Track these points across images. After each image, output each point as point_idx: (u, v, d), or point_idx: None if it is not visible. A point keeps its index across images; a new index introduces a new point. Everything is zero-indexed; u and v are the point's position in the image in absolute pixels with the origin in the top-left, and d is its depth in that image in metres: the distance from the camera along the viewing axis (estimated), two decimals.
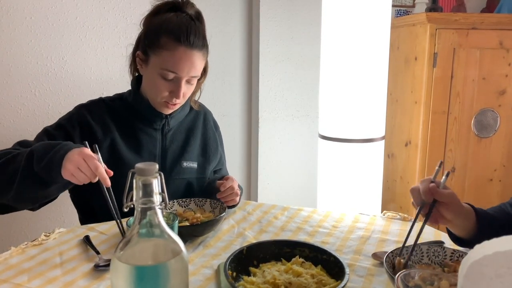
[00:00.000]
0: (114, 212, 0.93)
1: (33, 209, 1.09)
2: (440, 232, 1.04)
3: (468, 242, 0.88)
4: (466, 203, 0.89)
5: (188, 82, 1.14)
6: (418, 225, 0.86)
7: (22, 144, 1.10)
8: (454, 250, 0.85)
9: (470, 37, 1.95)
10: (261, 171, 2.21)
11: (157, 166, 0.54)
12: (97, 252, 0.92)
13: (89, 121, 1.15)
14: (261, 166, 2.20)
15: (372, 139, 1.70)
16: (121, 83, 1.79)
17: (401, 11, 2.41)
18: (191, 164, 1.25)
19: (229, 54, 2.12)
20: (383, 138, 1.74)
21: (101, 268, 0.86)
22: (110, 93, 1.28)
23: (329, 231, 1.09)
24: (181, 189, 1.24)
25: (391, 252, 0.83)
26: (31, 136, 1.16)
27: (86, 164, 0.90)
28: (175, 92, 1.12)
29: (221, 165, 1.39)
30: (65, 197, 1.21)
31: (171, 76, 1.10)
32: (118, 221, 0.93)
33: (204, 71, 1.21)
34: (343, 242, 1.03)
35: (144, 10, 1.18)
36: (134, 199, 0.54)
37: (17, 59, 1.66)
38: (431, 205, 0.83)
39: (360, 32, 1.62)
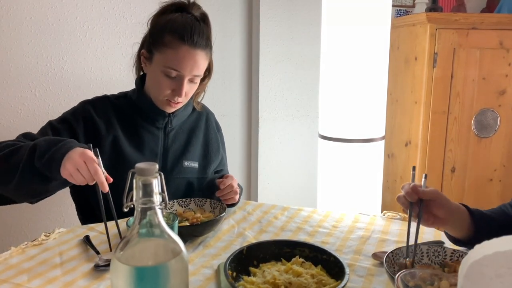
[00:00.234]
0: (104, 217, 0.93)
1: (31, 202, 1.10)
2: (440, 232, 1.04)
3: (467, 242, 0.88)
4: (459, 203, 0.89)
5: (190, 81, 1.15)
6: (415, 227, 0.86)
7: (26, 136, 1.11)
8: (454, 250, 0.85)
9: (470, 37, 1.95)
10: (261, 171, 2.21)
11: (157, 166, 0.54)
12: (97, 252, 0.92)
13: (93, 117, 1.16)
14: (261, 166, 2.20)
15: (372, 139, 1.70)
16: (121, 83, 1.79)
17: (401, 11, 2.41)
18: (192, 164, 1.26)
19: (229, 54, 2.12)
20: (383, 138, 1.74)
21: (101, 268, 0.86)
22: (110, 93, 1.28)
23: (329, 231, 1.09)
24: (181, 189, 1.24)
25: (391, 252, 0.83)
26: None
27: (86, 166, 0.90)
28: (177, 91, 1.13)
29: (222, 166, 1.39)
30: (65, 197, 1.21)
31: (174, 74, 1.11)
32: (113, 225, 0.93)
33: (208, 72, 1.22)
34: (343, 242, 1.03)
35: (144, 10, 1.19)
36: (134, 199, 0.54)
37: (17, 59, 1.66)
38: (419, 205, 0.84)
39: (360, 32, 1.62)
